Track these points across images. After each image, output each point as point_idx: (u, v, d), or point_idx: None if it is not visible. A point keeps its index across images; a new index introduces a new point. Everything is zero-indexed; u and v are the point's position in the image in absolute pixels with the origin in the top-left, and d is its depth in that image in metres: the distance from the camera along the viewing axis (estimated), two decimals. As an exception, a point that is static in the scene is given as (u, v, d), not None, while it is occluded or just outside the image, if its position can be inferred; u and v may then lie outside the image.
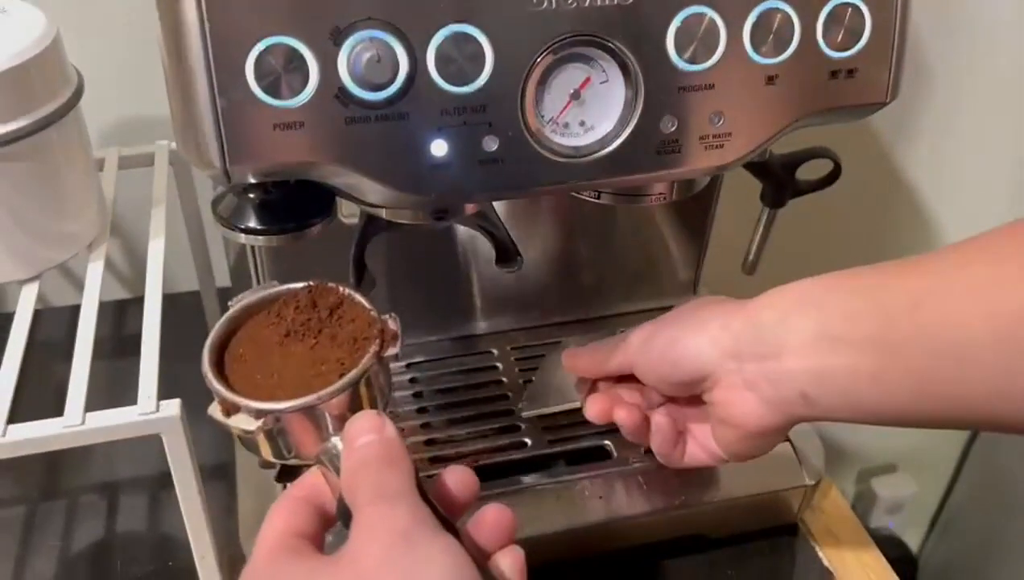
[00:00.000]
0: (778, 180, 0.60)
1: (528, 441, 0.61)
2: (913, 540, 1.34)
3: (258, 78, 0.38)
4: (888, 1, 0.45)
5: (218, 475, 0.65)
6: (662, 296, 0.73)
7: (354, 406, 0.36)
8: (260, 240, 0.47)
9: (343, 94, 0.40)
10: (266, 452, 0.37)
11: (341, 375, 0.36)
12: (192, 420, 0.71)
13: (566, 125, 0.44)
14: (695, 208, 0.69)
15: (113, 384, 0.56)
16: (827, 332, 0.43)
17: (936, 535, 1.31)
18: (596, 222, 0.69)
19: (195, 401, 0.71)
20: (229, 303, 0.39)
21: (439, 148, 0.42)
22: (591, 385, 0.56)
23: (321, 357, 0.37)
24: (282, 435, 0.36)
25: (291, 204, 0.47)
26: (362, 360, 0.36)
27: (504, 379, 0.66)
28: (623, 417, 0.52)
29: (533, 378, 0.65)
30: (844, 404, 0.43)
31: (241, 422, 0.35)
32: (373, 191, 0.43)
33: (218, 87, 0.38)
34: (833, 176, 0.60)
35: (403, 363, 0.67)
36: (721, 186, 0.68)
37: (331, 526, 0.36)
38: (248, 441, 0.37)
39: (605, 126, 0.44)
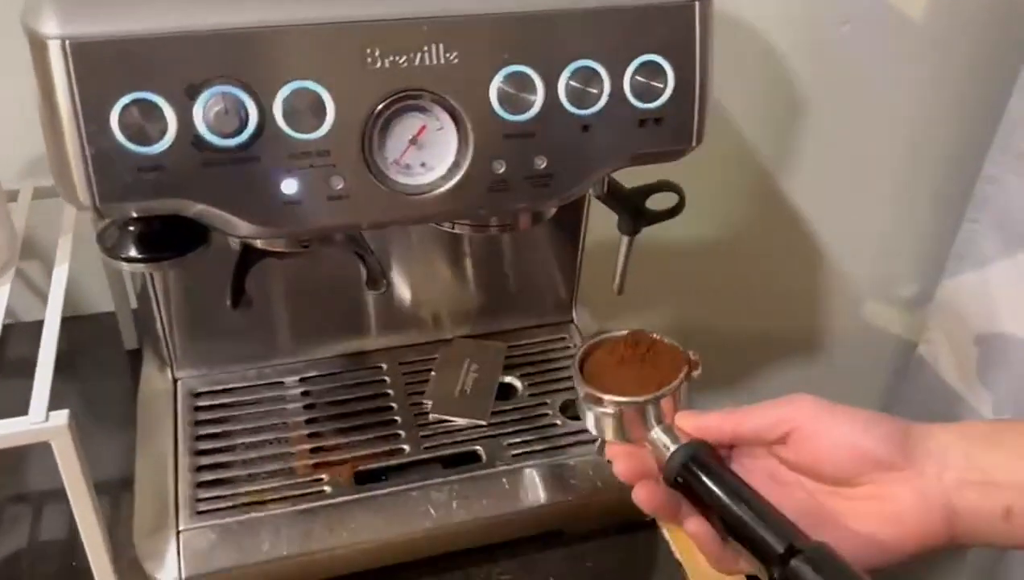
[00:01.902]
0: (629, 211, 0.67)
1: (406, 447, 0.67)
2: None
3: (122, 128, 0.44)
4: (688, 57, 0.52)
5: (118, 483, 0.70)
6: (543, 314, 0.80)
7: (667, 408, 0.50)
8: (141, 268, 0.53)
9: (199, 141, 0.45)
10: (611, 433, 0.51)
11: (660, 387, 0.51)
12: (96, 430, 0.76)
13: (407, 166, 0.50)
14: (567, 233, 0.76)
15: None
16: None
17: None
18: (478, 245, 0.75)
19: (110, 412, 0.77)
20: (579, 345, 0.58)
21: (289, 187, 0.48)
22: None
23: (647, 376, 0.52)
24: (621, 421, 0.51)
25: (169, 235, 0.53)
26: (678, 377, 0.51)
27: (391, 391, 0.72)
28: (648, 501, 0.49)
29: (433, 372, 0.73)
30: None
31: (602, 410, 0.51)
32: (235, 226, 0.49)
33: (86, 136, 0.44)
34: (678, 207, 0.67)
35: (296, 378, 0.73)
36: (589, 214, 0.74)
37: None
38: (601, 425, 0.52)
39: (442, 167, 0.51)
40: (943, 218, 1.11)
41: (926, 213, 1.13)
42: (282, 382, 0.72)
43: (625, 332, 0.55)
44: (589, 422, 0.52)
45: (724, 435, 0.48)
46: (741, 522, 0.44)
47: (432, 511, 0.62)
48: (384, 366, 0.75)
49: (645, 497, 0.48)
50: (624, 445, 0.51)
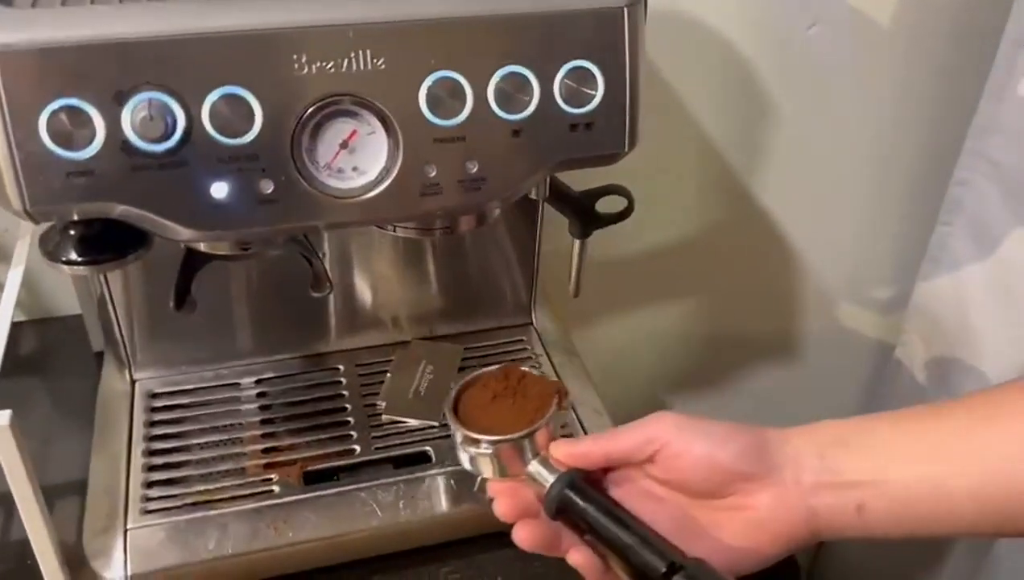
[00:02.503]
0: (578, 214, 0.67)
1: (357, 448, 0.68)
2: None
3: (50, 133, 0.45)
4: (618, 63, 0.52)
5: (79, 484, 0.71)
6: (501, 316, 0.81)
7: (542, 440, 0.52)
8: (81, 271, 0.54)
9: (127, 146, 0.46)
10: (490, 471, 0.53)
11: (534, 421, 0.53)
12: (60, 431, 0.77)
13: (340, 170, 0.51)
14: (524, 235, 0.77)
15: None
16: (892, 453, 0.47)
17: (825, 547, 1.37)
18: (438, 248, 0.76)
19: (75, 413, 0.78)
20: (452, 384, 0.58)
21: (219, 190, 0.49)
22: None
23: (520, 409, 0.55)
24: (499, 459, 0.52)
25: (109, 238, 0.54)
26: (550, 410, 0.53)
27: (345, 393, 0.73)
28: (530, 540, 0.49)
29: (388, 374, 0.73)
30: (896, 520, 0.46)
31: (479, 451, 0.53)
32: (168, 229, 0.50)
33: (15, 141, 0.45)
34: (627, 210, 0.68)
35: (253, 379, 0.73)
36: (543, 218, 0.75)
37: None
38: (479, 464, 0.53)
39: (374, 171, 0.51)
40: (917, 220, 1.10)
41: (899, 215, 1.13)
42: (239, 383, 0.73)
43: (495, 368, 0.58)
44: (466, 462, 0.54)
45: (597, 460, 0.50)
46: (622, 546, 0.46)
47: (378, 511, 0.63)
48: (341, 367, 0.76)
49: (526, 536, 0.49)
50: (504, 482, 0.52)
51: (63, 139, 0.45)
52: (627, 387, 1.11)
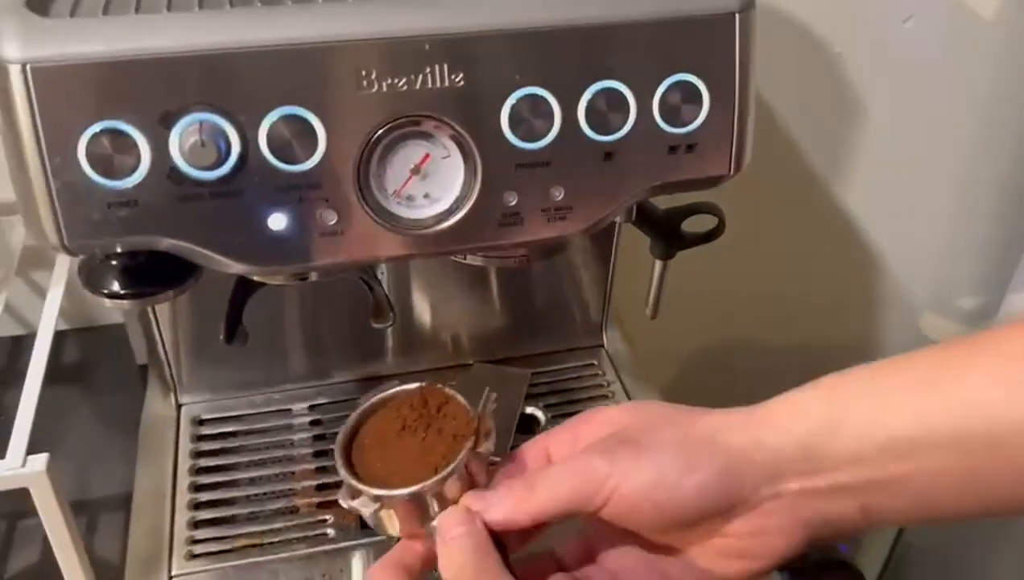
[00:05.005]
0: (663, 234, 0.61)
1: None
2: (873, 566, 1.34)
3: (90, 161, 0.40)
4: (727, 76, 0.46)
5: (121, 505, 0.67)
6: (571, 338, 0.75)
7: (452, 493, 0.42)
8: (124, 304, 0.49)
9: (175, 174, 0.41)
10: (391, 529, 0.43)
11: (438, 468, 0.42)
12: (103, 451, 0.73)
13: (410, 197, 0.45)
14: (598, 256, 0.71)
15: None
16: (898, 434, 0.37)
17: (895, 562, 1.31)
18: (504, 269, 0.70)
19: (118, 428, 0.74)
20: (359, 400, 0.46)
21: (277, 222, 0.43)
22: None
23: (429, 449, 0.43)
24: (392, 515, 0.42)
25: (155, 267, 0.49)
26: (460, 455, 0.42)
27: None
28: None
29: None
30: (912, 509, 0.38)
31: (361, 505, 0.42)
32: (219, 263, 0.44)
33: (51, 170, 0.40)
34: (717, 230, 0.61)
35: (306, 404, 0.69)
36: (620, 236, 0.69)
37: None
38: (372, 520, 0.43)
39: (448, 198, 0.45)
40: (1009, 227, 1.03)
41: (990, 221, 1.05)
42: (290, 409, 0.68)
43: (414, 386, 0.46)
44: (365, 513, 0.43)
45: (524, 525, 0.39)
46: None
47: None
48: (400, 393, 0.70)
49: None
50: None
51: (104, 166, 0.40)
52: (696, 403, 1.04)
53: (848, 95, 0.92)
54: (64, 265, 0.64)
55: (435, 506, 0.41)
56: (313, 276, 0.51)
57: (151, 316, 0.63)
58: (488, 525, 0.39)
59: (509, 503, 0.39)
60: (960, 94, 0.94)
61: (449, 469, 0.41)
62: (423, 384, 0.45)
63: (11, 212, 0.67)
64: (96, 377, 0.83)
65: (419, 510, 0.42)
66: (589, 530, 0.43)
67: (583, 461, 0.39)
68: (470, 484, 0.42)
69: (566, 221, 0.47)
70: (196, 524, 0.59)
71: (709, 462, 0.38)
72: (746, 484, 0.38)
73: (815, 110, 0.93)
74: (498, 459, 0.44)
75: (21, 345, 0.82)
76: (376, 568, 0.42)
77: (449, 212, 0.46)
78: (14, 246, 0.64)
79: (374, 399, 0.46)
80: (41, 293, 0.84)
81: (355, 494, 0.43)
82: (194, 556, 0.57)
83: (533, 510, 0.39)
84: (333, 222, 0.44)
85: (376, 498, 0.41)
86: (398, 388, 0.46)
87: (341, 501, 0.44)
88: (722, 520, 0.38)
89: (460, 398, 0.45)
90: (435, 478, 0.41)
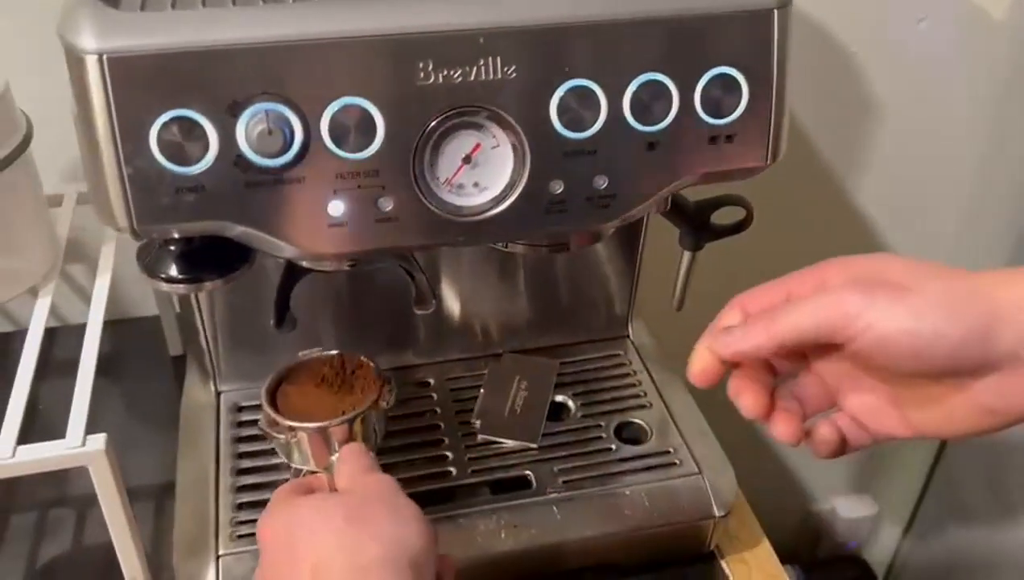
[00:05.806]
0: (693, 225, 0.63)
1: (453, 470, 0.64)
2: (882, 559, 1.36)
3: (160, 147, 0.42)
4: (765, 70, 0.48)
5: (161, 489, 0.69)
6: (598, 329, 0.77)
7: (351, 437, 0.55)
8: (180, 289, 0.51)
9: (241, 161, 0.43)
10: (295, 459, 0.55)
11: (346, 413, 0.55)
12: (139, 437, 0.75)
13: (460, 186, 0.47)
14: (625, 248, 0.72)
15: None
16: None
17: (903, 555, 1.33)
18: (533, 260, 0.72)
19: (154, 419, 0.76)
20: (301, 354, 0.60)
21: (336, 209, 0.45)
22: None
23: (340, 400, 0.56)
24: (302, 447, 0.55)
25: (210, 255, 0.51)
26: (364, 405, 0.55)
27: (438, 409, 0.70)
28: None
29: (482, 390, 0.70)
30: None
31: (276, 431, 0.55)
32: (279, 248, 0.46)
33: (124, 156, 0.42)
34: (746, 222, 0.63)
35: (341, 393, 0.70)
36: (648, 228, 0.71)
37: None
38: (283, 449, 0.55)
39: (497, 187, 0.47)
40: (1022, 225, 1.04)
41: (1004, 219, 1.07)
42: (325, 397, 0.70)
43: (335, 353, 0.59)
44: (277, 445, 0.56)
45: (766, 347, 0.40)
46: None
47: (479, 539, 0.60)
48: (431, 381, 0.72)
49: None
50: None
51: (174, 153, 0.42)
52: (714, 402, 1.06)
53: (863, 94, 0.94)
54: (109, 257, 0.66)
55: (336, 444, 0.52)
56: (360, 262, 0.53)
57: (194, 305, 0.65)
58: (731, 357, 0.41)
59: (754, 329, 0.40)
60: (973, 93, 0.96)
61: (354, 413, 0.53)
62: (343, 352, 0.57)
63: (57, 204, 0.69)
64: (130, 368, 0.85)
65: (324, 445, 0.53)
66: (828, 374, 0.43)
67: (835, 294, 0.39)
68: (365, 435, 0.54)
69: (609, 209, 0.49)
70: (240, 507, 0.61)
71: (976, 316, 0.37)
72: (1005, 342, 0.37)
73: (830, 109, 0.94)
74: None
75: (54, 337, 0.83)
76: (285, 487, 0.49)
77: (497, 200, 0.47)
78: (61, 239, 0.66)
79: (301, 358, 0.57)
80: (76, 287, 0.86)
81: (271, 423, 0.55)
82: (239, 537, 0.59)
83: (778, 333, 0.39)
84: (389, 209, 0.46)
85: (290, 428, 0.53)
86: (317, 354, 0.58)
87: (259, 427, 0.55)
88: (971, 377, 0.38)
89: (372, 363, 0.57)
90: (341, 418, 0.53)
